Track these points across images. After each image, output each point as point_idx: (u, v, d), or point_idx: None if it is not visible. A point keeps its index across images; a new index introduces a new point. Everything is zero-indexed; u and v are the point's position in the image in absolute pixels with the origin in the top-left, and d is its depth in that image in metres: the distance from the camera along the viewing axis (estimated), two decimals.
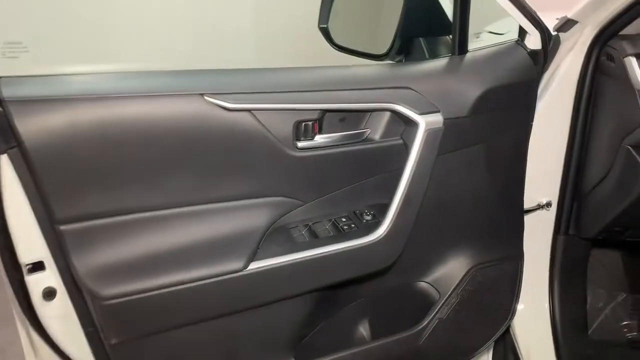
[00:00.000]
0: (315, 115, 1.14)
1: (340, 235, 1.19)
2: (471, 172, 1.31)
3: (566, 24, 1.37)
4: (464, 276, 1.37)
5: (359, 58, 1.37)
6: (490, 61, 1.30)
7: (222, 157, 1.09)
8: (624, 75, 1.27)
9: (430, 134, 1.18)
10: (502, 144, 1.34)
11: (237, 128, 1.08)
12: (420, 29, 1.36)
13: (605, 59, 1.35)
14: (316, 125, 1.16)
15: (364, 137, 1.21)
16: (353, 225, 1.21)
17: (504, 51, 1.32)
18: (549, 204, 1.50)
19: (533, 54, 1.32)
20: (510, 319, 1.46)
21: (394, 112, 1.19)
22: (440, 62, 1.30)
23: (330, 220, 1.22)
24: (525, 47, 1.32)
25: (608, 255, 1.73)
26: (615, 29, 1.31)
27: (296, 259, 1.13)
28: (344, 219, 1.22)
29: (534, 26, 1.28)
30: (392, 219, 1.20)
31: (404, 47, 1.37)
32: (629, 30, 1.31)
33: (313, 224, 1.20)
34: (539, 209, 1.50)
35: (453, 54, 1.30)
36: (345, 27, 1.43)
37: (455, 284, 1.37)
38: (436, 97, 1.20)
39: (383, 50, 1.35)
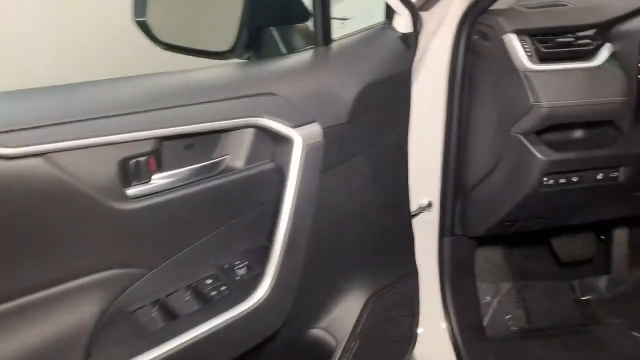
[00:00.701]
0: (148, 147, 0.79)
1: (208, 307, 0.86)
2: (355, 187, 1.07)
3: (429, 1, 1.18)
4: (360, 312, 1.13)
5: (197, 58, 1.03)
6: (362, 51, 1.06)
7: (8, 231, 0.69)
8: (504, 56, 1.12)
9: (310, 151, 0.89)
10: (384, 148, 1.12)
11: (26, 183, 0.69)
12: (271, 16, 1.07)
13: (479, 38, 1.19)
14: (152, 161, 0.80)
15: (222, 167, 0.89)
16: (224, 288, 0.89)
17: (374, 37, 1.09)
18: (430, 205, 1.33)
19: (405, 38, 1.11)
20: (412, 347, 1.27)
21: (259, 128, 0.89)
22: (304, 57, 1.02)
23: (190, 286, 0.88)
24: (395, 31, 1.10)
25: (490, 247, 1.63)
26: (485, 3, 1.15)
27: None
28: (209, 281, 0.89)
29: (404, 4, 1.06)
30: (276, 267, 0.90)
31: (253, 41, 1.07)
32: (501, 4, 1.16)
33: (166, 297, 0.86)
34: (420, 211, 1.32)
35: (316, 45, 1.03)
36: (172, 18, 1.08)
37: (353, 325, 1.13)
38: (308, 102, 0.93)
39: (226, 45, 1.02)
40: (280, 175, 0.90)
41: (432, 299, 1.37)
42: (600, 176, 1.16)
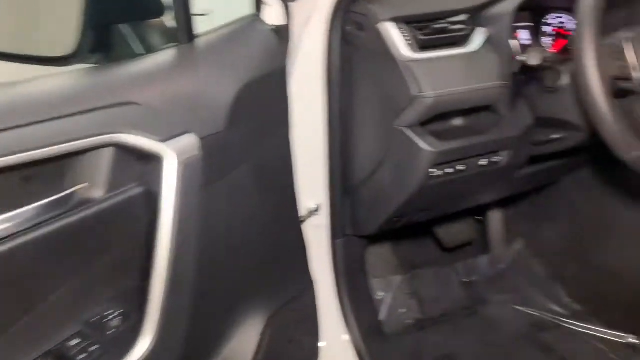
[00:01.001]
0: None
1: None
2: (240, 202, 0.95)
3: None
4: (260, 338, 1.02)
5: (31, 66, 0.83)
6: (232, 48, 0.94)
7: None
8: (381, 46, 1.06)
9: (186, 168, 0.75)
10: (267, 154, 1.01)
11: None
12: (119, 11, 0.90)
13: (354, 29, 1.12)
14: None
15: (76, 200, 0.72)
16: (95, 347, 0.72)
17: (244, 32, 0.97)
18: (318, 208, 1.25)
19: (277, 31, 1.00)
20: None
21: (119, 147, 0.72)
22: (165, 57, 0.87)
23: (50, 352, 0.70)
24: (266, 24, 0.99)
25: (378, 243, 1.59)
26: None
27: None
28: (75, 342, 0.72)
29: None
30: (158, 311, 0.75)
31: (100, 41, 0.89)
32: None
33: None
34: (309, 216, 1.24)
35: (180, 42, 0.88)
36: None
37: (253, 354, 1.01)
38: (178, 109, 0.78)
39: (67, 49, 0.84)
40: (151, 200, 0.75)
41: (331, 307, 1.29)
42: (484, 162, 1.15)
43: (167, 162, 0.73)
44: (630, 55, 0.96)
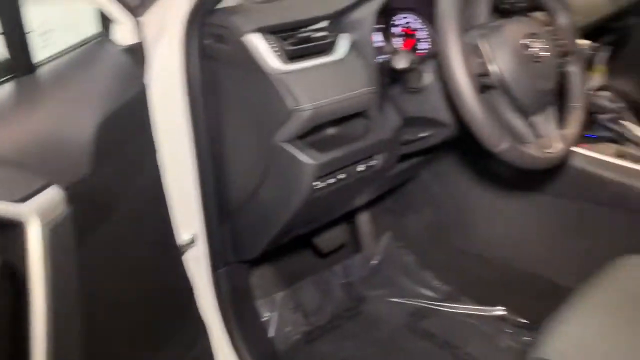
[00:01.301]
0: None
1: None
2: (119, 252, 0.82)
3: (142, 4, 0.97)
4: None
5: None
6: (83, 75, 0.80)
7: None
8: (248, 59, 0.99)
9: (53, 231, 0.61)
10: (139, 191, 0.88)
11: None
12: None
13: (213, 42, 1.03)
14: None
15: None
16: None
17: (93, 55, 0.84)
18: (194, 239, 1.14)
19: (130, 51, 0.88)
20: None
21: None
22: (2, 94, 0.70)
23: None
24: (116, 44, 0.86)
25: (258, 262, 1.52)
26: (213, 1, 0.99)
27: None
28: None
29: (124, 10, 0.83)
30: None
31: None
32: (229, 1, 1.02)
33: None
34: (186, 249, 1.13)
35: (17, 74, 0.72)
36: None
37: None
38: (31, 157, 0.63)
39: None
40: (11, 282, 0.59)
41: (222, 345, 1.19)
42: (362, 167, 1.15)
43: (29, 229, 0.58)
44: (485, 51, 1.01)
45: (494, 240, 1.57)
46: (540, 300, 1.50)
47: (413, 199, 1.70)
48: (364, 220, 1.76)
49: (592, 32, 1.57)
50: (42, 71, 0.75)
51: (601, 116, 1.41)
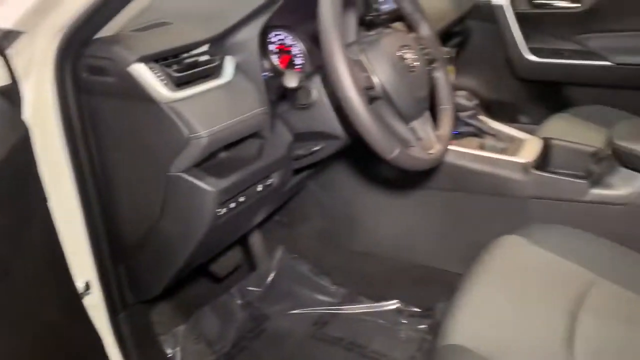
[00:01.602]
0: None
1: None
2: (16, 317, 0.73)
3: (4, 37, 0.88)
4: None
5: None
6: None
7: None
8: (136, 90, 0.94)
9: None
10: (32, 246, 0.80)
11: None
12: None
13: (90, 75, 0.96)
14: None
15: None
16: None
17: None
18: (88, 286, 1.06)
19: (4, 93, 0.79)
20: None
21: None
22: None
23: None
24: None
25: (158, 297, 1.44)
26: (87, 32, 0.93)
27: None
28: None
29: None
30: None
31: None
32: (107, 31, 0.96)
33: None
34: (83, 297, 1.05)
35: None
36: None
37: None
38: None
39: None
40: None
41: None
42: (260, 188, 1.14)
43: None
44: (367, 65, 1.07)
45: (383, 239, 1.65)
46: (430, 288, 1.62)
47: (302, 209, 1.73)
48: (255, 238, 1.75)
49: (440, 36, 1.72)
50: None
51: (461, 114, 1.55)
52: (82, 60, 0.95)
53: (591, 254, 1.12)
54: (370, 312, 1.69)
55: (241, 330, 1.64)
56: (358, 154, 1.06)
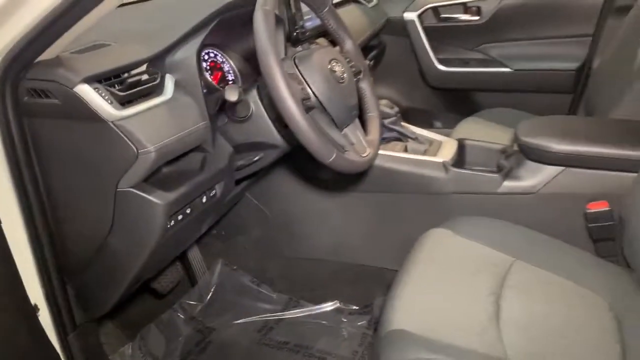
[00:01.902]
0: None
1: None
2: None
3: None
4: None
5: None
6: None
7: None
8: (81, 110, 0.97)
9: None
10: None
11: None
12: None
13: (33, 98, 0.98)
14: None
15: None
16: None
17: None
18: (37, 308, 1.07)
19: None
20: None
21: None
22: None
23: None
24: None
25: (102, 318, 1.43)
26: (28, 56, 0.95)
27: None
28: None
29: None
30: None
31: None
32: (47, 54, 0.98)
33: None
34: (36, 317, 1.05)
35: None
36: None
37: None
38: None
39: None
40: None
41: None
42: (204, 199, 1.19)
43: None
44: (301, 77, 1.15)
45: (320, 243, 1.74)
46: (367, 286, 1.72)
47: (239, 221, 1.77)
48: (194, 253, 1.78)
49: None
50: None
51: (385, 121, 1.67)
52: (22, 84, 0.96)
53: (508, 240, 1.26)
54: (312, 314, 1.76)
55: (188, 345, 1.65)
56: (292, 164, 1.13)
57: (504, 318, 1.05)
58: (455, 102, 2.32)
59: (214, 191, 1.21)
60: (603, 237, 1.34)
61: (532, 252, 1.22)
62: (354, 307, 1.75)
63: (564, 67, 2.14)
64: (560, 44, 2.17)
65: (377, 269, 1.67)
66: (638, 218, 1.09)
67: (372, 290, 1.68)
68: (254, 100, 1.21)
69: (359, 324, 1.71)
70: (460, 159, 1.58)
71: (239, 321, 1.74)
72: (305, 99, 1.12)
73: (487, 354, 0.95)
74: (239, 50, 1.44)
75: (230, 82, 1.42)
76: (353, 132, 1.27)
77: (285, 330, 1.71)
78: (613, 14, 1.95)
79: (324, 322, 1.73)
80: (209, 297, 1.80)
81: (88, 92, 0.95)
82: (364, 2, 2.16)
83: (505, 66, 2.19)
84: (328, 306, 1.77)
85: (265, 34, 1.01)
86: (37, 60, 0.96)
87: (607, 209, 1.33)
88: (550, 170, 1.42)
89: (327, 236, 1.71)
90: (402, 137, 1.69)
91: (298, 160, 1.57)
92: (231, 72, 1.44)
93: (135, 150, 0.98)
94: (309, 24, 1.55)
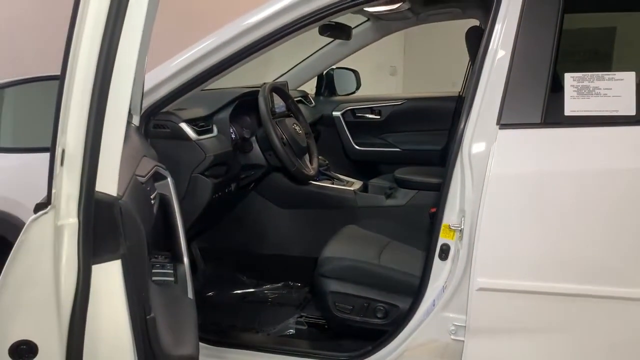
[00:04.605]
0: None
1: None
2: None
3: None
4: None
5: None
6: None
7: None
8: (180, 134, 2.05)
9: None
10: None
11: None
12: None
13: (156, 128, 2.06)
14: None
15: None
16: None
17: None
18: None
19: None
20: None
21: None
22: None
23: None
24: None
25: None
26: (158, 110, 2.04)
27: None
28: None
29: None
30: None
31: None
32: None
33: None
34: None
35: None
36: None
37: None
38: None
39: None
40: None
41: None
42: (226, 190, 2.26)
43: None
44: (279, 130, 2.31)
45: (275, 240, 2.78)
46: (309, 268, 2.75)
47: (225, 227, 2.78)
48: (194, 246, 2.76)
49: None
50: None
51: (320, 168, 2.83)
52: (151, 122, 2.03)
53: (389, 231, 2.37)
54: (272, 289, 2.75)
55: None
56: (264, 193, 2.17)
57: (381, 255, 2.13)
58: (364, 168, 3.50)
59: (231, 187, 2.29)
60: None
61: (399, 236, 2.33)
62: (299, 284, 2.76)
63: (433, 148, 3.33)
64: (432, 134, 3.40)
65: (312, 258, 2.68)
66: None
67: (310, 270, 2.71)
68: (254, 142, 2.35)
69: (304, 290, 2.69)
70: (364, 190, 2.75)
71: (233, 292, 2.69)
72: (282, 139, 2.27)
73: (369, 261, 2.04)
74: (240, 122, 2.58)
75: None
76: (304, 161, 2.42)
77: (256, 299, 2.68)
78: (458, 116, 3.25)
79: (278, 299, 2.69)
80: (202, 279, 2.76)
81: (184, 127, 2.05)
82: (306, 103, 3.38)
83: (396, 147, 3.41)
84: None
85: (264, 108, 2.18)
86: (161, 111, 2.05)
87: None
88: (411, 193, 2.60)
89: (283, 238, 2.77)
90: (330, 178, 2.85)
91: (267, 191, 2.68)
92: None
93: (204, 154, 2.06)
94: (277, 109, 2.74)
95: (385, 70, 6.98)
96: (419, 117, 3.35)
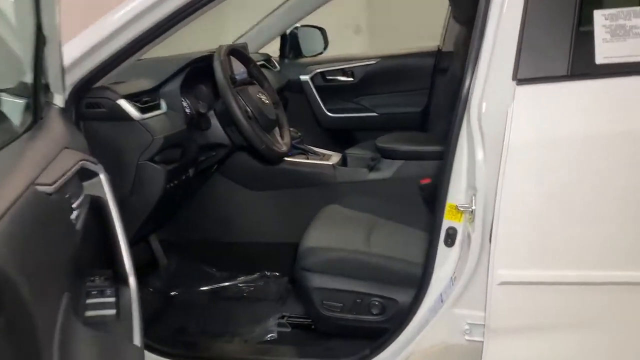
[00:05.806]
0: None
1: None
2: None
3: None
4: None
5: None
6: None
7: None
8: (119, 114, 1.67)
9: None
10: None
11: None
12: None
13: (89, 108, 1.67)
14: None
15: None
16: None
17: None
18: None
19: None
20: None
21: None
22: None
23: None
24: None
25: None
26: (89, 84, 1.64)
27: None
28: None
29: None
30: None
31: None
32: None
33: None
34: None
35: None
36: None
37: None
38: None
39: None
40: None
41: None
42: (183, 177, 1.90)
43: None
44: (242, 101, 1.94)
45: (247, 229, 2.45)
46: (286, 256, 2.43)
47: (182, 212, 2.41)
48: (153, 239, 2.39)
49: None
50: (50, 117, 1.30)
51: (293, 141, 2.48)
52: (83, 100, 1.64)
53: (373, 208, 2.06)
54: (246, 281, 2.43)
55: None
56: (229, 174, 1.82)
57: (371, 239, 1.83)
58: (339, 138, 3.18)
59: (188, 173, 1.92)
60: (430, 200, 2.21)
61: (388, 215, 2.03)
62: (276, 273, 2.44)
63: (412, 110, 3.05)
64: (410, 95, 3.10)
65: (290, 244, 2.34)
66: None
67: (288, 259, 2.39)
68: (212, 116, 1.97)
69: (282, 280, 2.39)
70: (343, 163, 2.41)
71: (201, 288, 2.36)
72: (246, 112, 1.91)
73: (359, 248, 1.73)
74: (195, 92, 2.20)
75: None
76: (274, 136, 2.06)
77: (230, 293, 2.36)
78: (439, 73, 2.94)
79: (253, 290, 2.38)
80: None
81: (124, 104, 1.66)
82: (270, 67, 3.00)
83: (373, 112, 3.10)
84: (257, 275, 2.44)
85: (221, 74, 1.80)
86: (93, 87, 1.66)
87: (430, 182, 2.20)
88: (397, 163, 2.28)
89: (252, 224, 2.43)
90: (304, 152, 2.50)
91: (233, 172, 2.32)
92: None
93: (151, 136, 1.69)
94: (238, 76, 2.36)
95: (350, 30, 6.63)
96: (396, 77, 3.09)
